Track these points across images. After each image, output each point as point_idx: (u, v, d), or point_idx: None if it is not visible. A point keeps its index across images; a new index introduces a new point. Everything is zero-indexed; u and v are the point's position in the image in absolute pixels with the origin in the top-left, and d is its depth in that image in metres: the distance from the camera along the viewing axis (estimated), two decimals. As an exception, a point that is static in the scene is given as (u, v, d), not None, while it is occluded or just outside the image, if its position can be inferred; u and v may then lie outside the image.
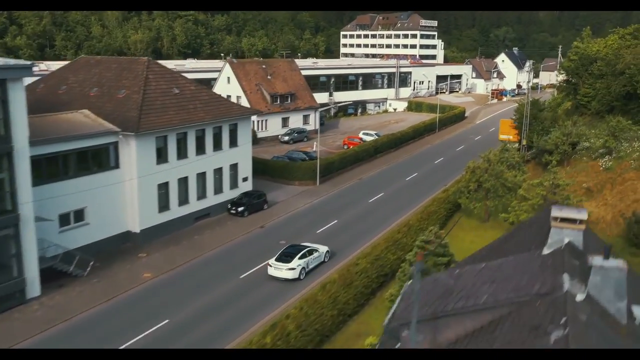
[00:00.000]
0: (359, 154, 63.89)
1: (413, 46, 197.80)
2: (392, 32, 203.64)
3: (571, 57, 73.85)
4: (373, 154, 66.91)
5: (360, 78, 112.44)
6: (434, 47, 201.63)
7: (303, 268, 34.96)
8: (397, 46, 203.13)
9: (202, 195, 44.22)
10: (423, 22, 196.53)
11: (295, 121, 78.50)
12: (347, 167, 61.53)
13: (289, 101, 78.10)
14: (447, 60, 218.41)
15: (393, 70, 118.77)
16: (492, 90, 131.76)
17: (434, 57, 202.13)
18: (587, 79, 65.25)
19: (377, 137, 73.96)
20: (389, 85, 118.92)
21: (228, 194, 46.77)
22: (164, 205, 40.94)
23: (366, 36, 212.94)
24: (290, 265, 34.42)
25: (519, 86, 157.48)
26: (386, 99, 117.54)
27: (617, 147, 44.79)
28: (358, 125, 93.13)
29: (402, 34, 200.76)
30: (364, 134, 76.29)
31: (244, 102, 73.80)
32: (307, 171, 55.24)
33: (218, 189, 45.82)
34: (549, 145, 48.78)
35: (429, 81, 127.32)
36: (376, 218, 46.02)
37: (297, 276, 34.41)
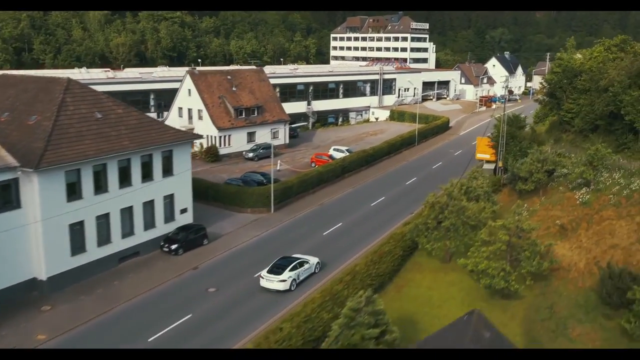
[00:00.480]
0: (323, 174, 58.93)
1: (404, 49, 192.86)
2: (383, 35, 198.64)
3: (554, 69, 68.91)
4: (340, 174, 61.98)
5: (341, 86, 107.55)
6: (425, 50, 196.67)
7: (294, 280, 36.31)
8: (387, 49, 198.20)
9: (128, 232, 39.31)
10: (414, 25, 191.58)
11: (263, 136, 73.58)
12: (309, 190, 56.58)
13: (256, 114, 73.17)
14: (440, 64, 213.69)
15: (376, 77, 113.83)
16: (480, 97, 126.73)
17: (425, 60, 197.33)
18: (571, 94, 60.33)
19: (348, 153, 69.08)
20: (372, 93, 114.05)
21: (162, 229, 41.88)
22: (78, 247, 36.03)
23: (356, 39, 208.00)
24: (282, 277, 35.78)
25: (510, 92, 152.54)
26: (369, 107, 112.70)
27: (596, 177, 39.94)
28: (334, 137, 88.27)
29: (393, 37, 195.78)
30: (334, 150, 71.32)
31: (206, 116, 69.01)
32: (260, 197, 50.32)
33: (149, 224, 40.93)
34: (523, 173, 43.90)
35: (414, 88, 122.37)
36: (327, 256, 41.11)
37: (288, 287, 35.74)
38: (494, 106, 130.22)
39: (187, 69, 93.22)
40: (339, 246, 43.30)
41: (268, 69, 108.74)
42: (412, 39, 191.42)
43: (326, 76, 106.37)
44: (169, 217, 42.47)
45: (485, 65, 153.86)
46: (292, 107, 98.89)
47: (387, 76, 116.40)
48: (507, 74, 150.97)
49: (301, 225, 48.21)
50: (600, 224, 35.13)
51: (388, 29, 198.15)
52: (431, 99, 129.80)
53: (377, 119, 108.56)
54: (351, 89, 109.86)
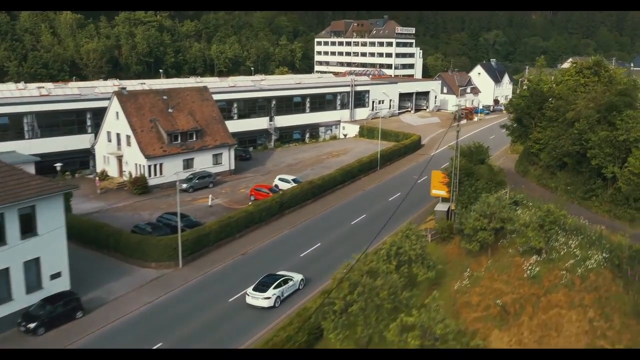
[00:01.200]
0: (255, 215, 51.32)
1: (389, 55, 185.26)
2: (367, 40, 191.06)
3: (522, 93, 61.39)
4: (277, 212, 54.45)
5: (308, 99, 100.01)
6: (411, 55, 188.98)
7: (278, 297, 37.82)
8: (372, 54, 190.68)
9: (-30, 311, 31.93)
10: (399, 29, 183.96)
11: (203, 162, 66.17)
12: (234, 235, 49.01)
13: (194, 138, 65.69)
14: (428, 70, 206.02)
15: (347, 89, 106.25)
16: (460, 108, 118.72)
17: (411, 66, 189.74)
18: (540, 121, 52.78)
19: (294, 184, 61.59)
20: (343, 106, 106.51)
21: (23, 301, 34.45)
22: None
23: (341, 44, 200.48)
24: (266, 294, 37.35)
25: (496, 101, 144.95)
26: (339, 121, 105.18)
27: (549, 242, 32.49)
28: (291, 159, 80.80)
29: (378, 42, 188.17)
30: (279, 180, 63.78)
31: (134, 143, 61.54)
32: (166, 249, 42.80)
33: (4, 298, 33.49)
34: (467, 229, 36.41)
35: (390, 100, 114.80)
36: (221, 338, 33.63)
37: (272, 304, 37.29)
38: (476, 118, 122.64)
39: (189, 79, 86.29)
40: (246, 318, 35.87)
41: (229, 81, 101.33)
42: (398, 44, 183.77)
43: (291, 89, 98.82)
44: (34, 285, 35.03)
45: (469, 74, 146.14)
46: (253, 124, 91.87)
47: (359, 88, 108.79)
48: (493, 82, 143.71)
49: (212, 283, 40.77)
50: (547, 312, 27.70)
51: (373, 33, 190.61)
52: (409, 111, 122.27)
53: (345, 135, 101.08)
54: (319, 102, 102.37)
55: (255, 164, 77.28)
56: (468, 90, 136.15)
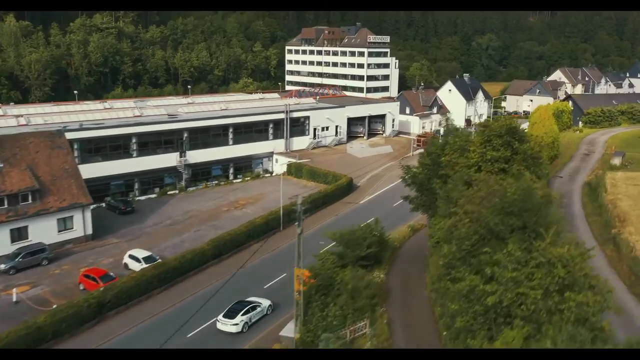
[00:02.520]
0: (44, 330, 37.56)
1: (361, 65, 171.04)
2: (339, 49, 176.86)
3: (423, 161, 47.36)
4: (93, 317, 40.69)
5: (231, 129, 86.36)
6: (386, 65, 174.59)
7: (246, 323, 39.68)
8: (343, 64, 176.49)
9: None
10: (371, 38, 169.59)
11: (43, 231, 52.58)
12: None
13: (30, 201, 52.10)
14: (405, 81, 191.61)
15: (282, 115, 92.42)
16: (416, 136, 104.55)
17: (386, 77, 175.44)
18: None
19: (145, 264, 47.89)
20: (277, 135, 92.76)
21: None
22: None
23: (312, 52, 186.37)
24: (234, 321, 39.37)
25: (467, 122, 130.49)
26: (272, 153, 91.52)
27: None
28: (182, 211, 67.04)
29: (349, 51, 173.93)
30: (130, 257, 50.02)
31: (-61, 211, 47.94)
32: None
33: None
34: None
35: (337, 126, 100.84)
36: None
37: (240, 330, 39.16)
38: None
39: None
40: None
41: (135, 110, 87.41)
42: (370, 54, 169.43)
43: (210, 119, 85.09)
44: None
45: (438, 93, 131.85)
46: (159, 161, 78.51)
47: (297, 114, 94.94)
48: (464, 100, 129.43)
49: None
50: None
51: (344, 42, 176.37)
52: (362, 137, 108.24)
53: (271, 173, 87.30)
54: (246, 132, 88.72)
55: (137, 219, 63.68)
56: (434, 110, 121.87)
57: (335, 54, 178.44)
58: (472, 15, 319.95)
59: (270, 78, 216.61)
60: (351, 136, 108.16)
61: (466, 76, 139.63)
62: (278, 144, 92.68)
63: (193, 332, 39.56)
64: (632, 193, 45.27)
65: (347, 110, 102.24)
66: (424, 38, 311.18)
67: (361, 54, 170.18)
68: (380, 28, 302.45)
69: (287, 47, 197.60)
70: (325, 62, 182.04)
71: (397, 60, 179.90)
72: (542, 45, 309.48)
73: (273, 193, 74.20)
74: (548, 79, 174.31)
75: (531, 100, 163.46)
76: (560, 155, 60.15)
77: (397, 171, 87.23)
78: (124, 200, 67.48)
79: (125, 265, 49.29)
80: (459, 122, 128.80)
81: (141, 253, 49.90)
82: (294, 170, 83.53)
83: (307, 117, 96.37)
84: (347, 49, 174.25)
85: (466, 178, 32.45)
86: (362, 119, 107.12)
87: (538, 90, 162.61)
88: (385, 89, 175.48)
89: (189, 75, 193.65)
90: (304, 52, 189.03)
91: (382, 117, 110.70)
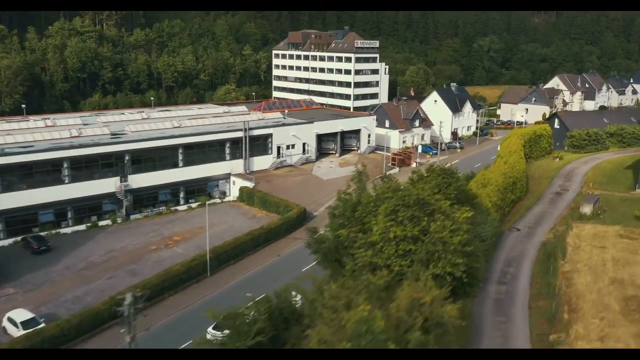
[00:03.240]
0: None
1: (347, 71, 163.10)
2: (326, 54, 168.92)
3: (338, 199, 39.58)
4: None
5: (181, 150, 79.01)
6: (374, 72, 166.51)
7: None
8: (330, 70, 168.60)
9: None
10: (359, 43, 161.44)
11: None
12: None
13: None
14: (395, 88, 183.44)
15: (240, 134, 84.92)
16: (392, 154, 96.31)
17: (375, 84, 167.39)
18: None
19: (24, 331, 40.56)
20: (235, 155, 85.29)
21: None
22: None
23: (298, 57, 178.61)
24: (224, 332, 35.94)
25: (454, 135, 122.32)
26: (229, 175, 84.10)
27: None
28: (105, 251, 59.66)
29: (336, 57, 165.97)
30: (8, 320, 42.69)
31: None
32: None
33: None
34: None
35: (304, 144, 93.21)
36: None
37: None
38: (414, 164, 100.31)
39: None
40: None
41: (72, 130, 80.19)
42: (358, 60, 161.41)
43: (157, 139, 77.70)
44: None
45: (423, 104, 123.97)
46: (97, 187, 71.37)
47: (258, 131, 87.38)
48: (450, 112, 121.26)
49: None
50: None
51: (332, 46, 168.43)
52: (334, 154, 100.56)
53: (223, 198, 79.76)
54: (199, 152, 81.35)
55: (50, 260, 56.46)
56: (416, 123, 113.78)
57: (322, 59, 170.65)
58: (474, 16, 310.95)
59: (260, 82, 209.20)
60: (323, 153, 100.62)
61: (453, 85, 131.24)
62: (236, 165, 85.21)
63: None
64: (595, 262, 36.66)
65: (316, 127, 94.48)
66: (424, 40, 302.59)
67: (348, 59, 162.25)
68: (378, 29, 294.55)
69: (274, 52, 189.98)
70: (312, 68, 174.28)
71: (387, 66, 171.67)
72: (546, 47, 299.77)
73: (216, 226, 66.76)
74: (545, 86, 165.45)
75: (527, 110, 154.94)
76: (527, 194, 51.27)
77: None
78: (38, 237, 60.28)
79: (4, 329, 42.02)
80: (446, 135, 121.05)
81: (21, 315, 42.58)
82: (245, 197, 76.10)
83: (270, 135, 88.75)
84: (334, 54, 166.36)
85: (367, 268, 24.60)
86: (333, 134, 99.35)
87: (534, 99, 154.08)
88: (374, 96, 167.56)
89: (173, 80, 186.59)
90: (291, 56, 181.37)
91: (357, 133, 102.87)
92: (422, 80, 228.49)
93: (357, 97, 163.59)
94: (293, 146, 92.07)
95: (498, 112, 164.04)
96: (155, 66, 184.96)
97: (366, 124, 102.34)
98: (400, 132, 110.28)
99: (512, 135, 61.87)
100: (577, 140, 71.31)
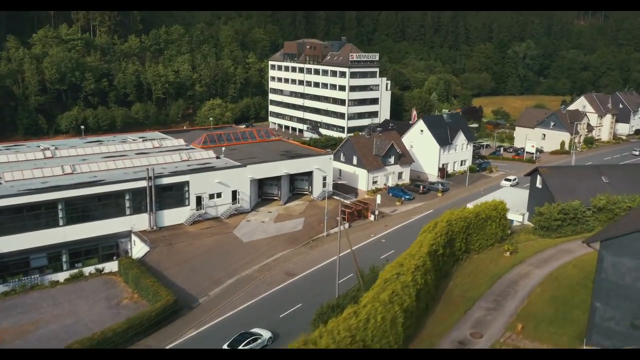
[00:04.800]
0: None
1: (342, 87, 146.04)
2: (320, 67, 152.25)
3: None
4: None
5: (61, 206, 64.64)
6: (373, 88, 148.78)
7: None
8: (325, 85, 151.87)
9: None
10: (355, 56, 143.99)
11: None
12: None
13: None
14: (398, 104, 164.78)
15: (143, 183, 69.89)
16: (342, 205, 78.38)
17: (374, 101, 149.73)
18: None
19: None
20: (140, 208, 70.36)
21: None
22: None
23: (294, 69, 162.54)
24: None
25: (442, 171, 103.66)
26: (130, 233, 69.33)
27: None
28: None
29: (330, 70, 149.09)
30: None
31: None
32: None
33: None
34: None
35: (235, 191, 77.34)
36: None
37: None
38: (372, 217, 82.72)
39: None
40: None
41: None
42: (353, 75, 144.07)
43: (26, 195, 63.45)
44: None
45: (408, 134, 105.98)
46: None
47: (168, 180, 72.10)
48: (437, 145, 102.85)
49: None
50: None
51: (327, 59, 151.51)
52: (277, 200, 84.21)
53: (101, 270, 64.64)
54: (88, 206, 66.85)
55: None
56: (391, 160, 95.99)
57: (316, 72, 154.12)
58: (510, 19, 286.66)
59: (264, 93, 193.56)
60: (266, 198, 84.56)
61: (445, 113, 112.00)
62: (140, 220, 70.31)
63: None
64: None
65: (250, 171, 78.32)
66: (453, 45, 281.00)
67: (342, 74, 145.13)
68: (402, 34, 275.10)
69: (270, 62, 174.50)
70: (307, 82, 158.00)
71: (388, 82, 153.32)
72: (590, 54, 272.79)
73: (56, 321, 51.87)
74: (569, 108, 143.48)
75: (544, 135, 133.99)
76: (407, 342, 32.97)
77: (278, 273, 63.14)
78: None
79: None
80: (433, 172, 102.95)
81: None
82: (122, 271, 60.96)
83: (186, 183, 73.30)
84: (329, 68, 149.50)
85: None
86: (276, 179, 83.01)
87: (552, 123, 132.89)
88: (374, 114, 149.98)
89: (163, 92, 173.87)
90: (286, 68, 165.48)
91: (308, 175, 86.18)
92: (442, 92, 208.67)
93: (353, 116, 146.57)
94: (219, 195, 76.35)
95: (515, 133, 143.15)
96: (145, 76, 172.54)
97: (320, 165, 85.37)
98: (369, 171, 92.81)
99: (440, 220, 44.10)
100: (547, 220, 52.61)
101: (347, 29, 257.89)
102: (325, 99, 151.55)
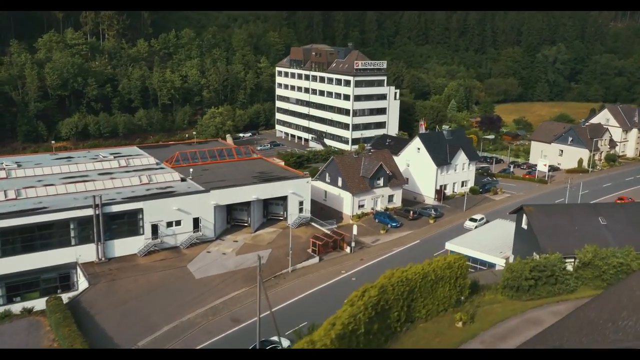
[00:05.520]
0: None
1: (347, 97, 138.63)
2: (326, 75, 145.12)
3: None
4: None
5: (-6, 237, 59.51)
6: (380, 97, 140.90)
7: None
8: (330, 94, 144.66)
9: None
10: (360, 64, 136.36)
11: None
12: None
13: None
14: (410, 113, 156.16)
15: (89, 211, 64.20)
16: (313, 236, 70.36)
17: (382, 111, 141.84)
18: None
19: None
20: (88, 238, 64.79)
21: None
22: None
23: (300, 76, 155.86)
24: None
25: (439, 193, 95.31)
26: (76, 265, 63.86)
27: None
28: None
29: (335, 79, 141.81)
30: None
31: None
32: None
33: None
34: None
35: (197, 218, 71.07)
36: None
37: None
38: (348, 249, 75.37)
39: None
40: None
41: None
42: (358, 83, 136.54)
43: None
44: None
45: (404, 152, 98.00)
46: None
47: (118, 207, 66.24)
48: (434, 165, 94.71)
49: None
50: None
51: (332, 66, 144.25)
52: (247, 226, 77.61)
53: (30, 309, 58.99)
54: (25, 237, 61.56)
55: None
56: (380, 182, 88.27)
57: (322, 80, 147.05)
58: (541, 22, 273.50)
59: (271, 101, 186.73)
60: (237, 224, 78.09)
61: (446, 128, 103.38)
62: (87, 250, 64.74)
63: None
64: None
65: (214, 196, 71.89)
66: (479, 48, 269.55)
67: (347, 82, 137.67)
68: (425, 37, 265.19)
69: (277, 69, 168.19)
70: (312, 90, 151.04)
71: (397, 91, 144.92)
72: (626, 58, 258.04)
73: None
74: (590, 121, 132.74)
75: (561, 152, 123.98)
76: None
77: (223, 318, 56.36)
78: None
79: None
80: (429, 193, 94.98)
81: None
82: (48, 314, 55.20)
83: (140, 210, 67.35)
84: (334, 76, 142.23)
85: None
86: (246, 204, 76.39)
87: (570, 138, 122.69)
88: (381, 125, 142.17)
89: (168, 98, 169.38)
90: (292, 75, 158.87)
91: (282, 200, 79.30)
92: (462, 99, 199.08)
93: (357, 127, 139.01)
94: (178, 222, 70.19)
95: (534, 146, 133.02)
96: (150, 82, 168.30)
97: (297, 189, 78.33)
98: (354, 194, 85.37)
99: (373, 287, 36.63)
100: (516, 280, 44.31)
101: (367, 32, 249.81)
102: (330, 108, 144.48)
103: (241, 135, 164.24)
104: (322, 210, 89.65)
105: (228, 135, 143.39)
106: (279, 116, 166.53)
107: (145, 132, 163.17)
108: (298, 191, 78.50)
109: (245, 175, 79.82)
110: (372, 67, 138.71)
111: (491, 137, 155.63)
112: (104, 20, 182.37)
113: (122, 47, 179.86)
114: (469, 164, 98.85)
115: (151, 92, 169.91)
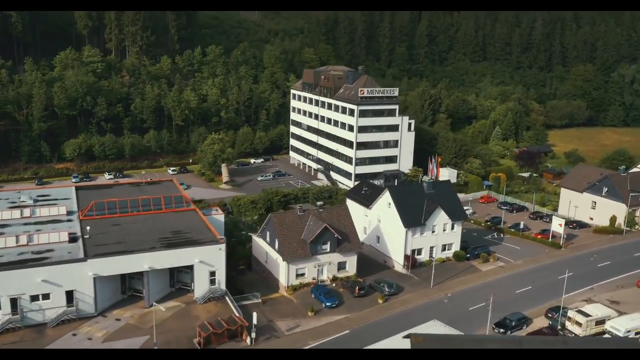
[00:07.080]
0: None
1: (351, 127, 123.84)
2: (333, 102, 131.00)
3: None
4: None
5: None
6: (392, 128, 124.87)
7: None
8: (336, 123, 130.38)
9: None
10: (365, 92, 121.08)
11: None
12: None
13: None
14: (432, 145, 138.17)
15: None
16: (198, 327, 56.22)
17: (391, 144, 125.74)
18: None
19: None
20: None
21: None
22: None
23: (310, 101, 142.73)
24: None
25: (408, 259, 78.59)
26: None
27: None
28: None
29: (341, 106, 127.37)
30: None
31: None
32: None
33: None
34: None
35: (69, 291, 59.80)
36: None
37: None
38: (247, 340, 61.41)
39: None
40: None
41: None
42: (362, 113, 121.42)
43: None
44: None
45: (375, 206, 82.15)
46: None
47: (-35, 280, 56.20)
48: (403, 228, 78.68)
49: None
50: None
51: (340, 92, 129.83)
52: (142, 300, 65.32)
53: None
54: None
55: None
56: (326, 247, 73.27)
57: (329, 107, 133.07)
58: (620, 36, 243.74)
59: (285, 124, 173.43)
60: (135, 295, 66.28)
61: (426, 181, 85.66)
62: None
63: None
64: None
65: (93, 267, 60.39)
66: (545, 66, 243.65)
67: (351, 111, 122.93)
68: (483, 53, 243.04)
69: (292, 91, 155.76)
70: (321, 117, 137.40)
71: (411, 121, 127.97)
72: None
73: None
74: (634, 169, 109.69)
75: (594, 204, 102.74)
76: None
77: None
78: None
79: None
80: (398, 258, 79.25)
81: None
82: None
83: (-7, 283, 57.10)
84: (340, 104, 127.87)
85: None
86: (138, 274, 64.31)
87: (606, 189, 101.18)
88: (391, 159, 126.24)
89: (182, 119, 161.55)
90: (305, 99, 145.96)
91: (188, 269, 66.55)
92: (509, 125, 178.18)
93: (362, 162, 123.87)
94: (46, 296, 59.37)
95: (565, 194, 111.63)
96: (165, 102, 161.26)
97: (206, 258, 65.28)
98: (289, 262, 71.12)
99: None
100: None
101: (416, 47, 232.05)
102: (336, 139, 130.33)
103: (252, 161, 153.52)
104: (264, 273, 76.34)
105: (224, 165, 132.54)
106: (292, 142, 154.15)
107: (155, 154, 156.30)
108: (208, 260, 65.39)
109: (153, 237, 67.76)
110: (380, 94, 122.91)
111: (526, 175, 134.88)
112: (127, 36, 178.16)
113: (144, 64, 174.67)
114: (452, 224, 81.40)
115: (166, 112, 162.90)
